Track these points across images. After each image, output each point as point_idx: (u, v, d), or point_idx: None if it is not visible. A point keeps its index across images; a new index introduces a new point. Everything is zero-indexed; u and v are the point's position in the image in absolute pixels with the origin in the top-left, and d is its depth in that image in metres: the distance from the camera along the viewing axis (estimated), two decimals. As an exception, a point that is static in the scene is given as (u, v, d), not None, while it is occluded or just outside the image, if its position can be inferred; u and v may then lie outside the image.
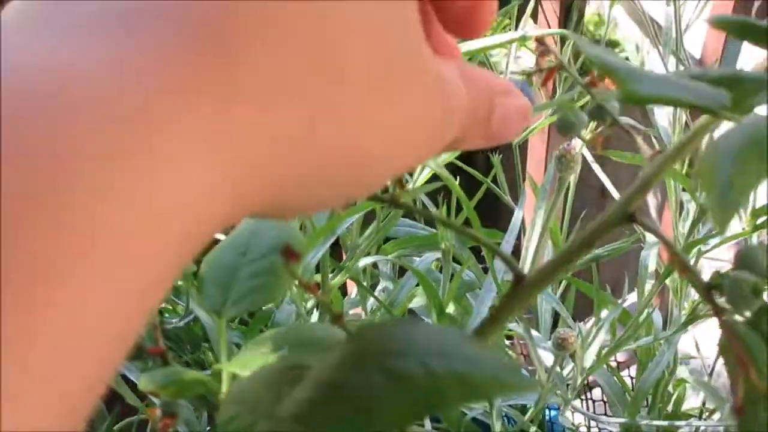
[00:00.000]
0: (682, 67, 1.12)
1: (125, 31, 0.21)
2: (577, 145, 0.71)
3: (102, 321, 0.19)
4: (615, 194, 1.05)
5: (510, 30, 1.07)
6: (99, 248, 0.19)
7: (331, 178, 0.26)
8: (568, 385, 0.93)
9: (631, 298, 1.12)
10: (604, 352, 0.95)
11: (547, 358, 0.90)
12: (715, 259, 1.02)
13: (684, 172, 0.97)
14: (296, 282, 0.36)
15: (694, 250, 0.94)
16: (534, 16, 1.20)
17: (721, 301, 0.34)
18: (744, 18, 0.37)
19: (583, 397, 1.37)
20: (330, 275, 0.83)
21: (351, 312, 1.05)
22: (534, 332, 0.92)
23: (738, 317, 0.33)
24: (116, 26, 0.21)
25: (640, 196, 0.35)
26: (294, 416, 0.30)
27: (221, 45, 0.22)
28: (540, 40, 0.43)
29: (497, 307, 0.37)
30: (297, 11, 0.23)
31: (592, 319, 0.95)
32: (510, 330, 0.94)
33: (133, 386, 0.78)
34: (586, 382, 1.40)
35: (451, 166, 0.88)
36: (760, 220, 0.90)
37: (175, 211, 0.21)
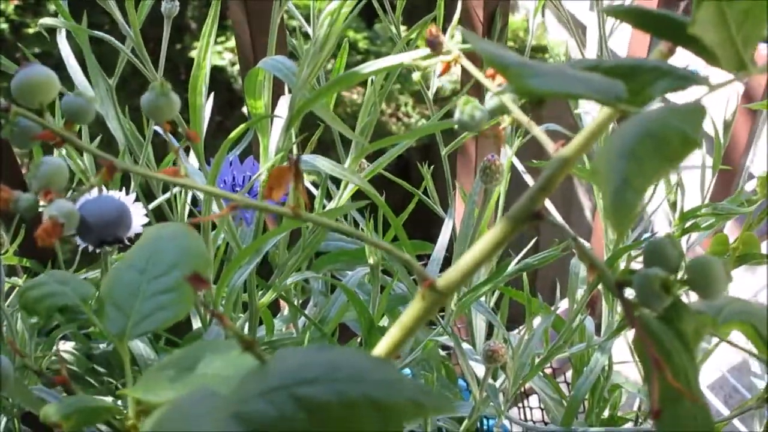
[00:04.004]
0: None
1: None
2: (503, 156, 0.71)
3: None
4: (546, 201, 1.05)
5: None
6: None
7: None
8: (503, 394, 0.92)
9: (564, 304, 1.12)
10: (537, 360, 0.95)
11: (480, 369, 0.89)
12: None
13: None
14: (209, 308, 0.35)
15: (625, 255, 0.95)
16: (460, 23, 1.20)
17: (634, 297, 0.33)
18: (639, 7, 0.37)
19: (520, 404, 1.37)
20: (259, 294, 0.82)
21: (284, 329, 1.03)
22: (465, 345, 0.92)
23: (651, 313, 0.33)
24: None
25: (545, 194, 0.35)
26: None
27: None
28: (432, 33, 0.43)
29: (407, 315, 0.36)
30: None
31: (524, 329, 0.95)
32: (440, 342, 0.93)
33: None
34: (522, 389, 1.41)
35: (383, 177, 0.88)
36: (688, 224, 0.91)
37: None
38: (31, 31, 2.95)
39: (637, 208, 0.28)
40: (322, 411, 0.28)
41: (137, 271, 0.45)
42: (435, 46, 0.44)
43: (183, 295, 0.45)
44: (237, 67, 2.81)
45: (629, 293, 0.33)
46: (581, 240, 0.37)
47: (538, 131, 0.41)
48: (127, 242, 0.79)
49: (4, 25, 2.94)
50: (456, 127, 0.46)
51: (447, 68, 0.45)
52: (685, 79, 0.34)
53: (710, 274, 0.34)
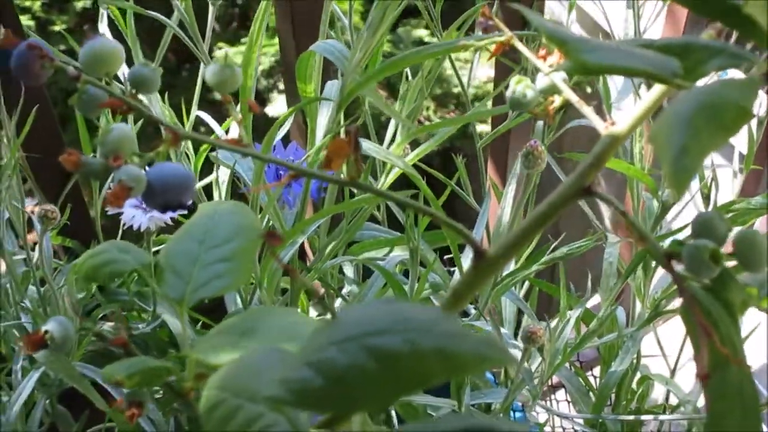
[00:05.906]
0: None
1: None
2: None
3: None
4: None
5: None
6: None
7: None
8: (535, 381, 0.93)
9: (594, 300, 1.13)
10: (569, 349, 0.96)
11: (515, 354, 0.90)
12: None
13: (646, 171, 0.98)
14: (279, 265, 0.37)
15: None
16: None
17: (682, 269, 0.34)
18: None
19: (548, 398, 1.38)
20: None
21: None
22: (502, 329, 0.93)
23: (697, 284, 0.34)
24: None
25: (596, 170, 0.36)
26: (280, 398, 0.30)
27: None
28: (485, 14, 0.44)
29: (460, 282, 0.37)
30: None
31: (557, 319, 0.96)
32: (475, 327, 0.94)
33: (101, 391, 0.78)
34: (551, 383, 1.41)
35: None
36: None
37: None
38: (56, 28, 2.96)
39: (695, 174, 0.30)
40: (393, 360, 0.29)
41: (196, 242, 0.47)
42: (488, 28, 0.45)
43: (239, 264, 0.46)
44: (261, 67, 2.81)
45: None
46: (629, 214, 0.38)
47: (588, 110, 0.42)
48: (171, 222, 0.81)
49: (31, 22, 2.95)
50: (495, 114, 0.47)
51: (499, 49, 0.46)
52: (738, 57, 0.35)
53: (757, 247, 0.35)
